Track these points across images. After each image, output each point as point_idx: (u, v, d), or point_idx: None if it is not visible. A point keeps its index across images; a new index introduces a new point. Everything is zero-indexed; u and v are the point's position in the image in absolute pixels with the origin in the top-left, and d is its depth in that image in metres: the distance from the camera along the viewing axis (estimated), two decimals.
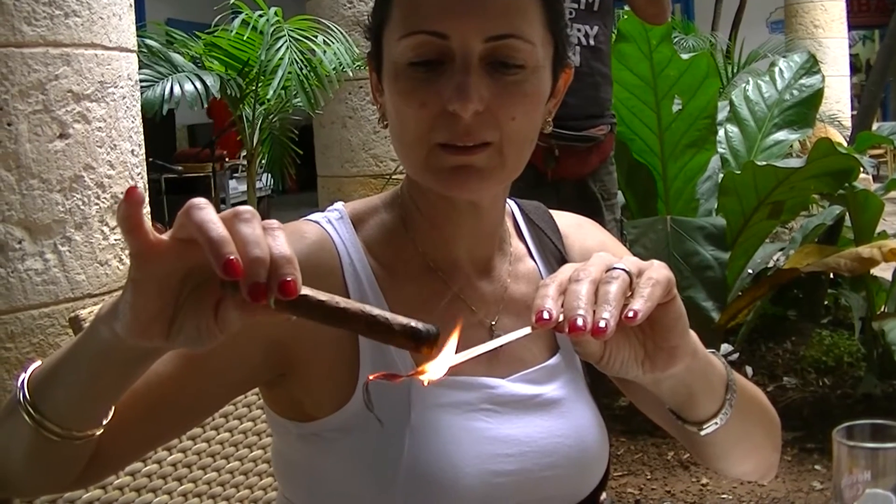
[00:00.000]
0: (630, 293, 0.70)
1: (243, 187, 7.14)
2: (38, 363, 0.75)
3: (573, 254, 1.01)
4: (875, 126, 4.82)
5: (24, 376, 0.74)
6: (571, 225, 1.05)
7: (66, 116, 1.69)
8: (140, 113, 1.91)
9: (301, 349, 0.86)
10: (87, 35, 1.72)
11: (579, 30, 2.56)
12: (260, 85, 3.83)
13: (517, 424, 0.90)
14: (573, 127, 2.49)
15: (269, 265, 0.57)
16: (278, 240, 0.58)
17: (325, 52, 3.63)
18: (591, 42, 2.58)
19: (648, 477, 2.96)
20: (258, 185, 5.64)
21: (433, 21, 0.82)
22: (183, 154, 8.82)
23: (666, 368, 0.74)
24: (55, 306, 1.69)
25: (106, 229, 1.77)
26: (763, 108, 3.83)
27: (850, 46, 9.41)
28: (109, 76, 1.78)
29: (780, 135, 3.78)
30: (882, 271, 3.49)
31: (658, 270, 0.71)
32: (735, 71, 6.90)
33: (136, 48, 1.91)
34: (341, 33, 3.71)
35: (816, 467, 2.92)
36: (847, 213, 3.50)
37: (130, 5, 1.89)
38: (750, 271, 3.71)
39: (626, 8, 2.90)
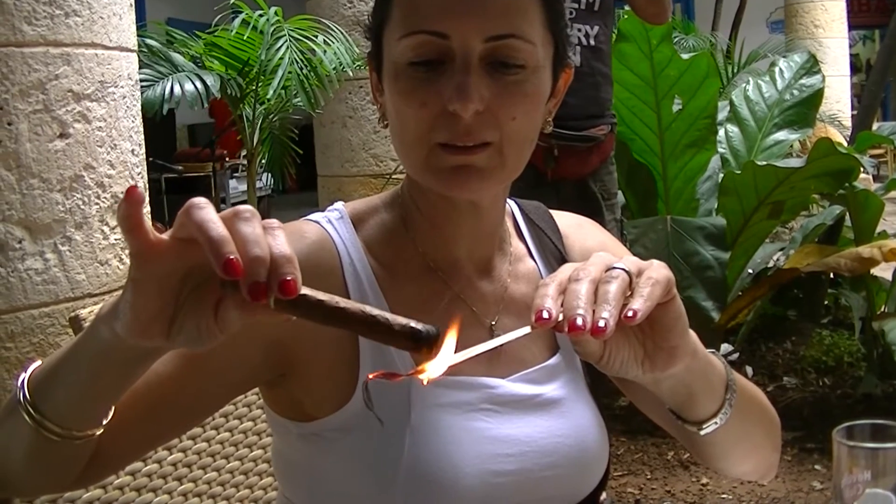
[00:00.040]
0: (630, 293, 0.70)
1: (243, 187, 7.14)
2: (38, 363, 0.75)
3: (573, 254, 1.01)
4: (875, 126, 4.82)
5: (25, 376, 0.74)
6: (571, 225, 1.05)
7: (66, 116, 1.69)
8: (140, 112, 1.91)
9: (301, 349, 0.86)
10: (87, 35, 1.72)
11: (580, 30, 2.56)
12: (260, 84, 3.83)
13: (517, 424, 0.90)
14: (573, 127, 2.49)
15: (269, 264, 0.57)
16: (278, 239, 0.58)
17: (325, 51, 3.63)
18: (592, 42, 2.58)
19: (648, 477, 2.96)
20: (258, 184, 5.64)
21: (433, 21, 0.82)
22: (183, 154, 8.82)
23: (666, 368, 0.74)
24: (55, 306, 1.69)
25: (106, 229, 1.77)
26: (763, 108, 3.83)
27: (851, 46, 9.42)
28: (110, 76, 1.78)
29: (781, 135, 3.78)
30: (882, 271, 3.49)
31: (658, 270, 0.71)
32: (735, 71, 6.90)
33: (136, 48, 1.91)
34: (341, 33, 3.72)
35: (816, 467, 2.92)
36: (847, 213, 3.50)
37: (131, 5, 1.89)
38: (750, 271, 3.71)
39: (627, 8, 2.89)
